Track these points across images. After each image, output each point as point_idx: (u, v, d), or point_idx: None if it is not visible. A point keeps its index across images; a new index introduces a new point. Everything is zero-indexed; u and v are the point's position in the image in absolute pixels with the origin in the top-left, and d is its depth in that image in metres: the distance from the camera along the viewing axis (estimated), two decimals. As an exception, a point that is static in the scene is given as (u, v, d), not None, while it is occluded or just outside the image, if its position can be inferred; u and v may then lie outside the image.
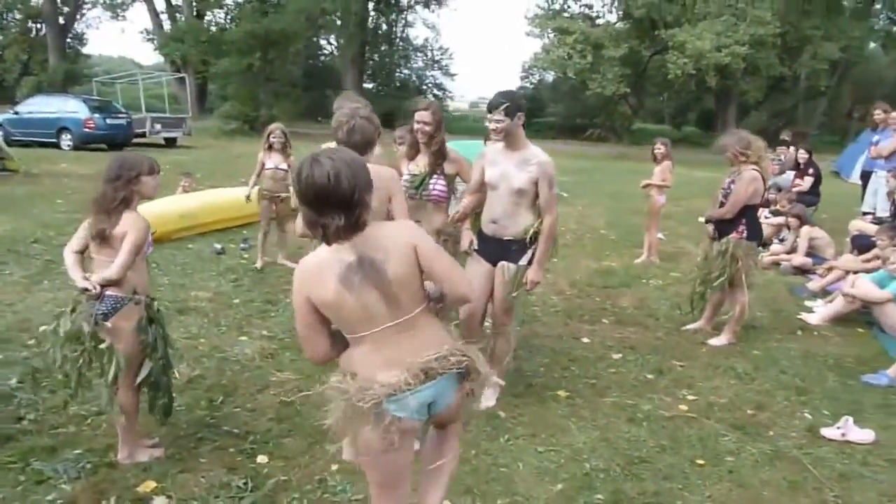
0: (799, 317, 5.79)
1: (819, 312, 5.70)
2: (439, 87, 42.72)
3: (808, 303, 6.18)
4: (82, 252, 3.06)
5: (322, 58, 41.93)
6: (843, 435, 3.61)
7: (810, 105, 33.20)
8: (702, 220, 5.80)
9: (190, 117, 23.39)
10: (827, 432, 3.65)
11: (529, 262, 3.75)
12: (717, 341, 5.08)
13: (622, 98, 30.13)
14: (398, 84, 39.78)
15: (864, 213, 8.46)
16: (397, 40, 39.85)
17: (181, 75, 29.03)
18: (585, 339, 5.09)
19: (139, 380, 3.10)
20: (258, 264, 6.69)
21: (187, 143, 21.02)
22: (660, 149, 7.48)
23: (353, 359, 2.03)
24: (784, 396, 4.18)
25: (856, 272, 6.07)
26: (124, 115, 18.91)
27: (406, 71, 41.81)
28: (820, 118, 34.36)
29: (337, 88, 38.56)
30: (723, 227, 5.04)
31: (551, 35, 25.90)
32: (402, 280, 1.94)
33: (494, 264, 3.77)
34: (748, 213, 4.97)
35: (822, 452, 3.49)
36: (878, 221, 7.48)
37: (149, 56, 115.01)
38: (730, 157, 5.09)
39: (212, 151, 19.17)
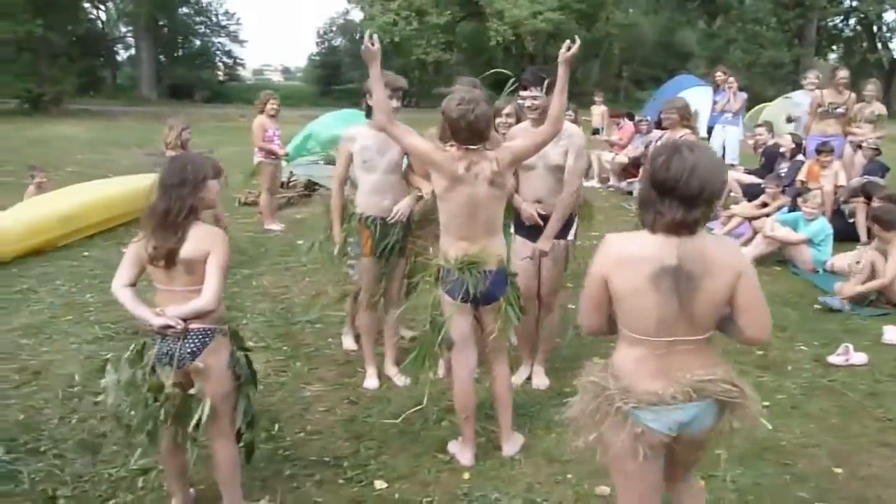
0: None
1: (747, 250, 6.43)
2: (228, 54, 40.24)
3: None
4: (135, 284, 2.52)
5: (91, 25, 37.18)
6: (846, 360, 4.19)
7: (587, 66, 36.26)
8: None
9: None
10: (834, 360, 4.22)
11: (575, 236, 3.80)
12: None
13: (431, 65, 30.74)
14: (184, 52, 36.63)
15: (731, 166, 9.63)
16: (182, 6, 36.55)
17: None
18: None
19: (239, 423, 2.66)
20: None
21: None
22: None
23: (623, 359, 1.97)
24: (772, 334, 4.71)
25: (755, 217, 6.97)
26: None
27: (193, 39, 38.61)
28: (595, 78, 37.73)
29: (109, 58, 34.98)
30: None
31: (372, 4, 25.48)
32: (709, 302, 1.87)
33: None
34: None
35: (841, 377, 4.04)
36: (750, 172, 8.58)
37: None
38: (675, 121, 5.55)
39: None
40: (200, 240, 2.42)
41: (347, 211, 3.89)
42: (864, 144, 7.37)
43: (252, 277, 5.85)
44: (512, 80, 3.57)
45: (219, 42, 39.96)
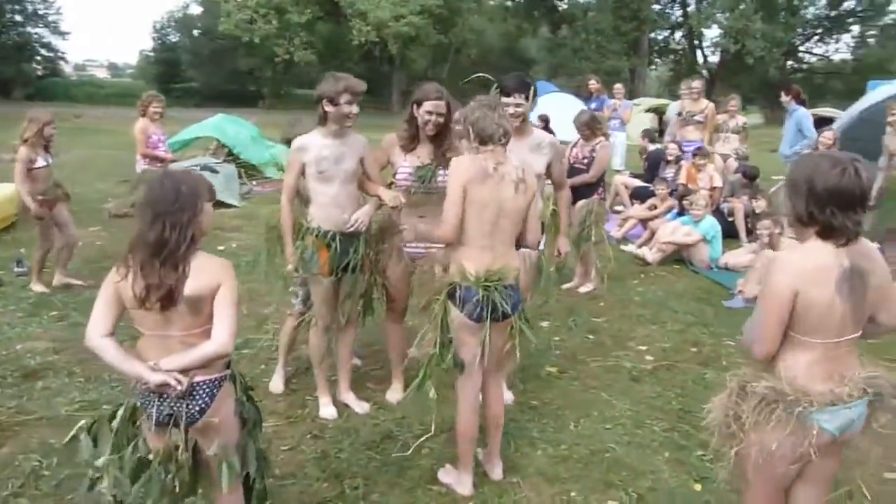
0: (636, 260, 6.82)
1: (651, 255, 6.77)
2: (48, 47, 36.43)
3: (623, 247, 7.26)
4: (114, 332, 2.08)
5: None
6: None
7: (438, 69, 37.06)
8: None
9: None
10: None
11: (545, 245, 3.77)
12: (584, 288, 5.82)
13: (280, 64, 29.73)
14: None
15: (617, 171, 10.14)
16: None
17: None
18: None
19: (249, 471, 2.30)
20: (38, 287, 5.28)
21: None
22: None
23: (795, 364, 1.99)
24: (697, 331, 4.99)
25: (649, 219, 7.40)
26: None
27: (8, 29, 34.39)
28: (445, 81, 38.60)
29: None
30: (585, 190, 5.67)
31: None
32: (871, 298, 1.97)
33: None
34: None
35: (772, 369, 4.33)
36: (635, 176, 9.09)
37: None
38: (588, 133, 5.80)
39: None
40: (206, 272, 2.04)
41: (299, 227, 3.54)
42: (734, 155, 8.10)
43: (153, 300, 5.20)
44: (495, 86, 3.44)
45: (36, 33, 36.06)
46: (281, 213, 3.50)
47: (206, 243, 2.12)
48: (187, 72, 38.38)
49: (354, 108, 3.33)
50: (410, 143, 3.61)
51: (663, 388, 4.04)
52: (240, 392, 2.25)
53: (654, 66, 34.11)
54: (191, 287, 2.00)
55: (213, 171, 8.99)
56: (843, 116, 7.04)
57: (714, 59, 33.01)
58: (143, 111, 6.48)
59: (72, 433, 2.16)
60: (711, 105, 8.29)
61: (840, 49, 34.17)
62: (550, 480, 3.08)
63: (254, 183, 10.35)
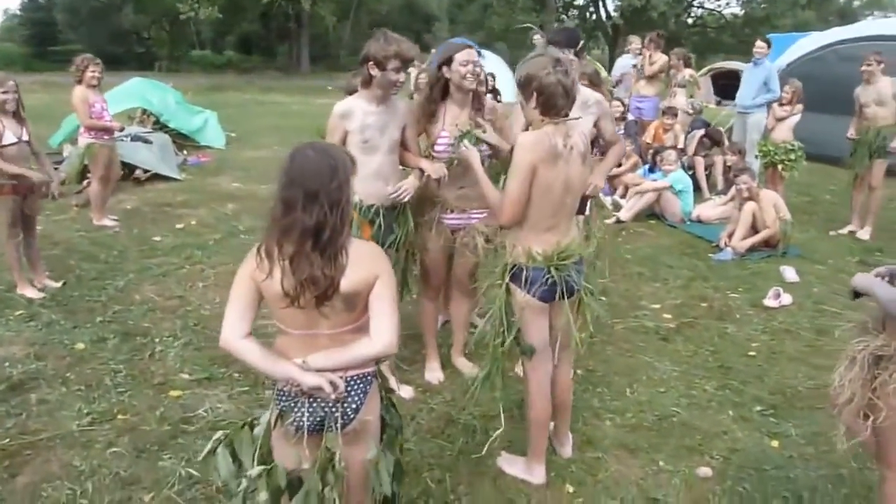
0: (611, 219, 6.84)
1: (624, 211, 6.81)
2: None
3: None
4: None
5: None
6: (780, 303, 4.65)
7: (341, 28, 35.43)
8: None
9: None
10: (769, 303, 4.65)
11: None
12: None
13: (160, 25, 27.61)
14: None
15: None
16: None
17: None
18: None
19: (389, 486, 2.04)
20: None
21: None
22: None
23: None
24: (700, 285, 5.07)
25: (615, 176, 7.44)
26: None
27: None
28: (347, 41, 36.87)
29: None
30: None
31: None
32: None
33: None
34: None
35: (784, 317, 4.48)
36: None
37: None
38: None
39: None
40: (363, 262, 1.77)
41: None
42: (690, 109, 8.25)
43: (126, 290, 4.68)
44: (537, 37, 3.23)
45: None
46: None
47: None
48: (65, 33, 34.96)
49: (402, 76, 3.03)
50: (432, 107, 3.34)
51: (695, 345, 4.07)
52: (382, 392, 2.00)
53: (561, 22, 34.35)
54: (348, 279, 1.73)
55: (147, 141, 8.19)
56: (764, 70, 7.28)
57: (618, 14, 33.65)
58: (80, 78, 5.73)
59: (207, 448, 1.85)
60: (665, 58, 8.38)
61: (730, 4, 35.62)
62: (632, 451, 3.01)
63: (185, 153, 9.56)
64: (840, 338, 3.91)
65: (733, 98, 8.39)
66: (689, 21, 34.57)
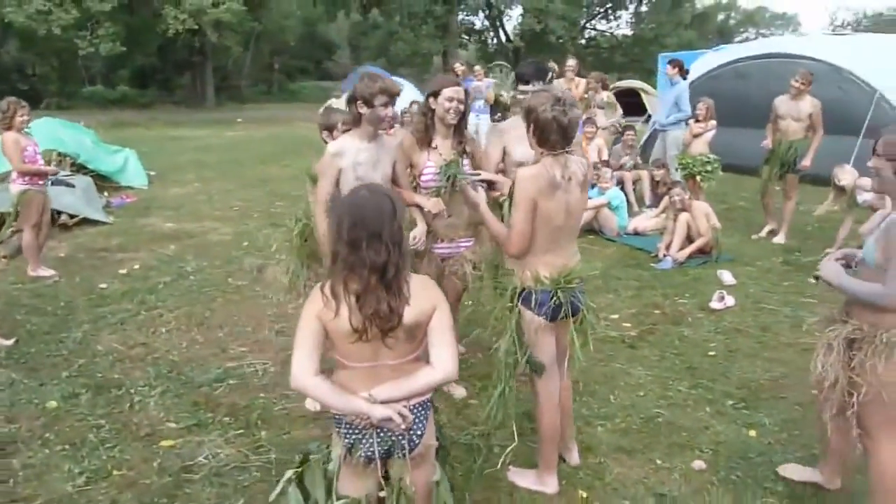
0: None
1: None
2: None
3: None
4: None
5: None
6: (724, 305, 5.04)
7: (242, 59, 34.85)
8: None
9: None
10: (715, 305, 5.04)
11: None
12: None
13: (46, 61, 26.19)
14: None
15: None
16: None
17: None
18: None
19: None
20: None
21: None
22: None
23: None
24: (649, 293, 5.42)
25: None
26: None
27: None
28: (247, 70, 36.41)
29: None
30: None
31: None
32: None
33: None
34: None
35: (731, 318, 4.87)
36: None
37: None
38: None
39: None
40: (421, 294, 1.88)
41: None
42: (615, 127, 8.78)
43: (86, 341, 4.48)
44: (508, 72, 3.43)
45: None
46: (317, 227, 3.22)
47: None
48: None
49: (390, 111, 3.15)
50: (425, 137, 3.50)
51: (660, 350, 4.36)
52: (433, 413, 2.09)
53: (464, 47, 35.35)
54: (409, 311, 1.84)
55: (69, 185, 7.78)
56: (677, 90, 7.92)
57: (517, 38, 34.98)
58: (9, 124, 5.44)
59: (278, 489, 1.88)
60: (583, 81, 8.88)
61: (621, 25, 37.76)
62: (629, 453, 3.22)
63: (106, 194, 9.14)
64: (788, 333, 4.36)
65: (636, 115, 9.04)
66: (583, 42, 36.35)
